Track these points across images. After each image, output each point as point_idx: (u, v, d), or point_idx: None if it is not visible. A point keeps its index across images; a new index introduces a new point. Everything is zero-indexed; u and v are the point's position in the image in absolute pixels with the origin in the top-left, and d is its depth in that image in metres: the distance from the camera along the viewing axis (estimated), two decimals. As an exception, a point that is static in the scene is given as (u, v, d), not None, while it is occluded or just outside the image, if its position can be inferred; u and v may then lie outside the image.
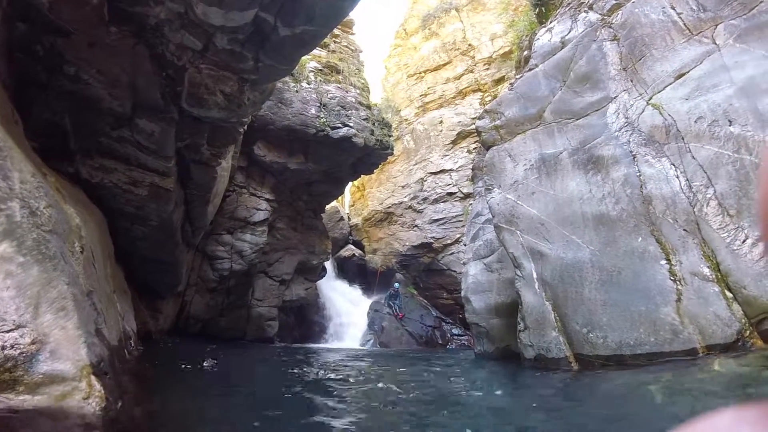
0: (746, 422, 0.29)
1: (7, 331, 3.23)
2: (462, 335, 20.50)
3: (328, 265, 22.72)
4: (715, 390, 4.83)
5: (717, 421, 0.30)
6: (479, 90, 23.96)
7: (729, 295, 5.89)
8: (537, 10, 11.52)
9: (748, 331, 5.69)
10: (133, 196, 9.04)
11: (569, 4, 9.68)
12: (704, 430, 0.30)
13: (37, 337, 3.29)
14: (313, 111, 15.66)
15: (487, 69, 23.75)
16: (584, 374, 6.68)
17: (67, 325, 3.51)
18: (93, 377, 3.53)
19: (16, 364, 3.15)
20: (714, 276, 6.05)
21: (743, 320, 5.73)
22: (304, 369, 9.50)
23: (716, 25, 7.05)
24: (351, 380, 8.38)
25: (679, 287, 6.25)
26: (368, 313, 22.09)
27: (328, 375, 8.86)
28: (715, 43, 6.95)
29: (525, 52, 11.02)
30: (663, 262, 6.53)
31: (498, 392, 6.91)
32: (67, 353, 3.40)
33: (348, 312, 22.74)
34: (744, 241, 5.90)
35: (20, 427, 3.05)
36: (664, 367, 5.83)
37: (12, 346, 3.20)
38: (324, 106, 16.02)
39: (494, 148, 9.58)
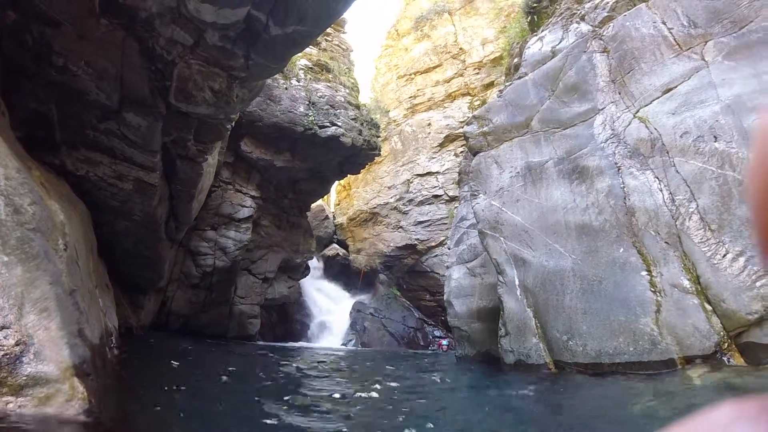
0: (745, 417, 0.29)
1: (-9, 332, 3.19)
2: (443, 337, 20.58)
3: (312, 264, 22.67)
4: (692, 402, 4.93)
5: (716, 416, 0.30)
6: (468, 94, 24.07)
7: (708, 307, 6.00)
8: (529, 17, 11.58)
9: (726, 344, 5.79)
10: (118, 190, 8.96)
11: (561, 13, 9.76)
12: (703, 426, 0.30)
13: (21, 339, 3.24)
14: (301, 109, 15.61)
15: (477, 73, 23.85)
16: (563, 380, 6.75)
17: (51, 325, 3.47)
18: (75, 379, 3.50)
19: (0, 366, 3.11)
20: (694, 288, 6.16)
21: (722, 333, 5.83)
22: (286, 367, 9.48)
23: (706, 42, 7.14)
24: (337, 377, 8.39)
25: (659, 298, 6.35)
26: (351, 312, 22.10)
27: (303, 372, 8.85)
28: (704, 60, 7.05)
29: (515, 60, 11.10)
30: (644, 273, 6.63)
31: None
32: (51, 354, 3.36)
33: (330, 311, 22.74)
34: (725, 255, 6.01)
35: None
36: (641, 376, 5.93)
37: (-5, 347, 3.16)
38: (313, 104, 15.97)
39: (481, 154, 9.63)
